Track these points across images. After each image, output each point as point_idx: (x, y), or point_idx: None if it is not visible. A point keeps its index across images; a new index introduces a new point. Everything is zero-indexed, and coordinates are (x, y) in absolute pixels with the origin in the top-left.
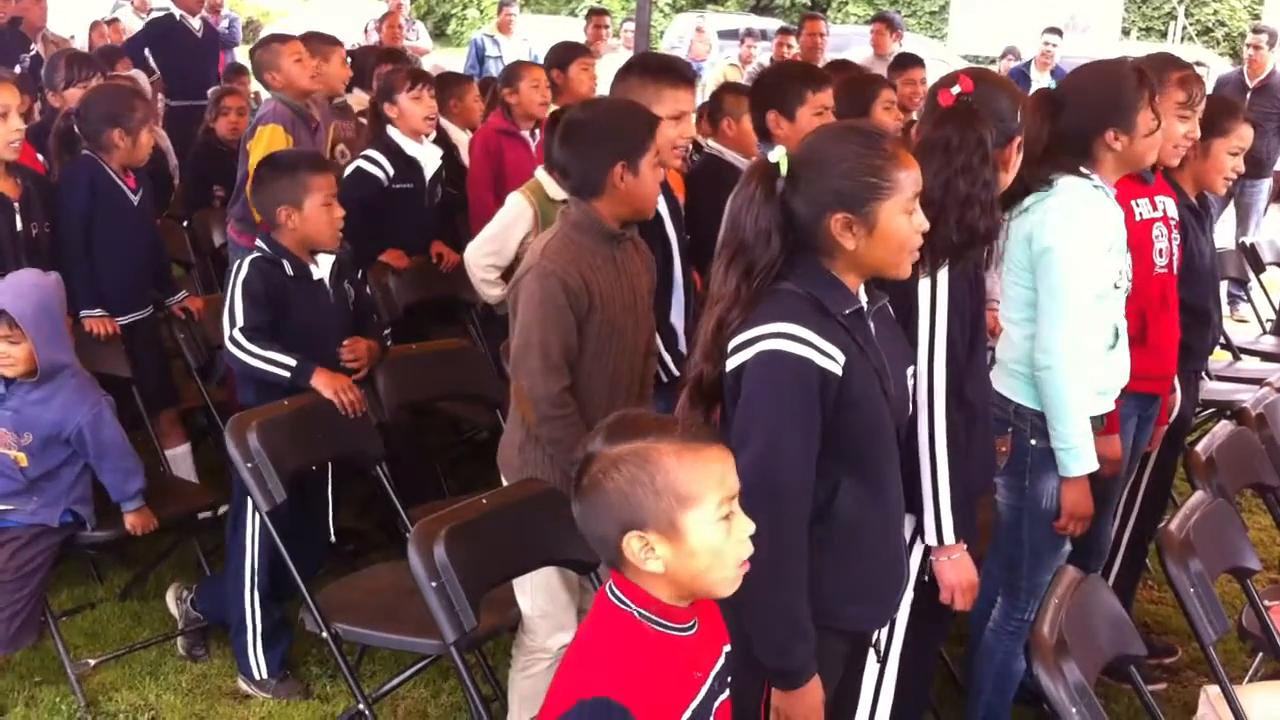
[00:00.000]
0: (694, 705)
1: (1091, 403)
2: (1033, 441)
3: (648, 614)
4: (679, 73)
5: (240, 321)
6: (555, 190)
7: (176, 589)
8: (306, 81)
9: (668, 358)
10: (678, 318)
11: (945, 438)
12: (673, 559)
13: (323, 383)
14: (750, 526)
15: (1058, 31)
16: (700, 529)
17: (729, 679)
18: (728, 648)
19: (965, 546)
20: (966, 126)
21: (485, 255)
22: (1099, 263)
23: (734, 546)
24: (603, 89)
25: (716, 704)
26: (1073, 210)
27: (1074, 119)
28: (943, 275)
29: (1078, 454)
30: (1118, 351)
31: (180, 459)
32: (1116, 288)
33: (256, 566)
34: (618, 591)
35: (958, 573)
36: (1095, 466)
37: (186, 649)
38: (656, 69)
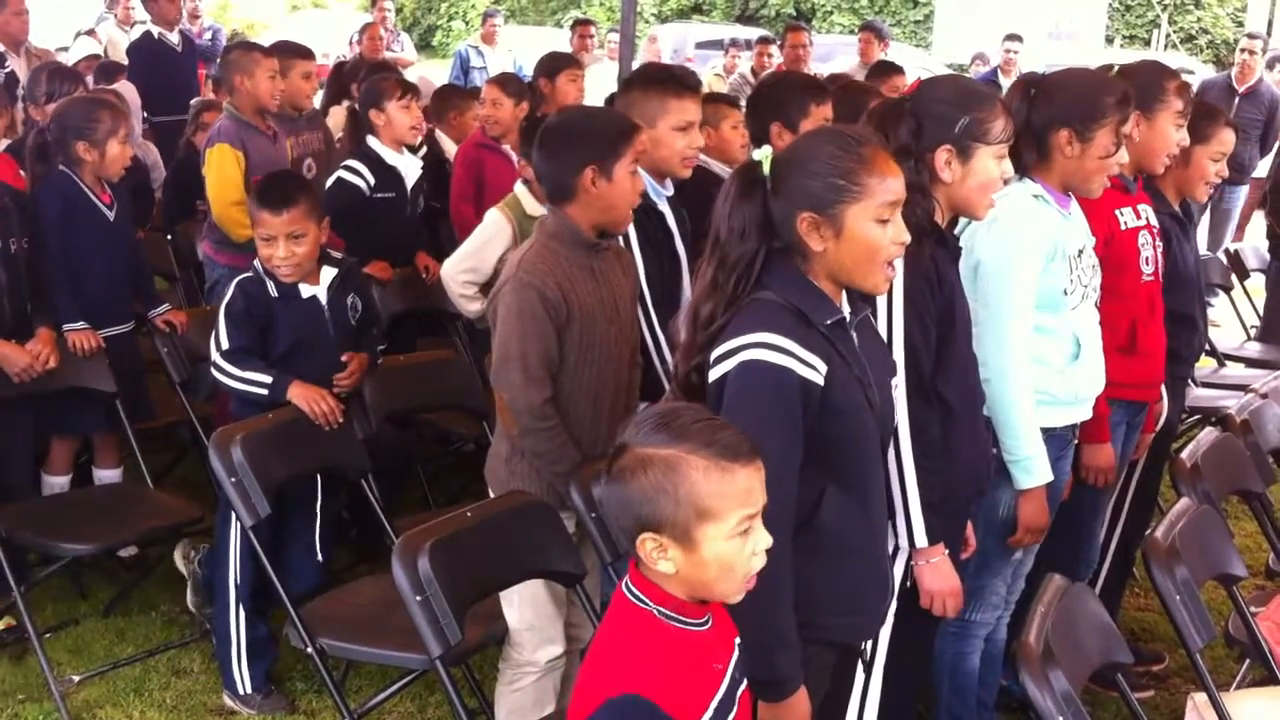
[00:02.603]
0: (719, 696)
1: (1050, 414)
2: (994, 450)
3: (666, 611)
4: (682, 82)
5: (224, 345)
6: (533, 206)
7: (184, 547)
8: (270, 101)
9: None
10: None
11: (909, 437)
12: (684, 564)
13: (297, 395)
14: (767, 541)
15: (1018, 39)
16: (715, 543)
17: (744, 670)
18: (739, 639)
19: (946, 550)
20: (876, 125)
21: (462, 272)
22: (1032, 273)
23: (745, 561)
24: (589, 99)
25: (739, 693)
26: (1002, 221)
27: (1041, 111)
28: (898, 275)
29: (1027, 467)
30: (1082, 362)
31: (108, 480)
32: (1067, 294)
33: (239, 581)
34: (635, 590)
35: (937, 578)
36: (1048, 479)
37: (196, 607)
38: (659, 79)
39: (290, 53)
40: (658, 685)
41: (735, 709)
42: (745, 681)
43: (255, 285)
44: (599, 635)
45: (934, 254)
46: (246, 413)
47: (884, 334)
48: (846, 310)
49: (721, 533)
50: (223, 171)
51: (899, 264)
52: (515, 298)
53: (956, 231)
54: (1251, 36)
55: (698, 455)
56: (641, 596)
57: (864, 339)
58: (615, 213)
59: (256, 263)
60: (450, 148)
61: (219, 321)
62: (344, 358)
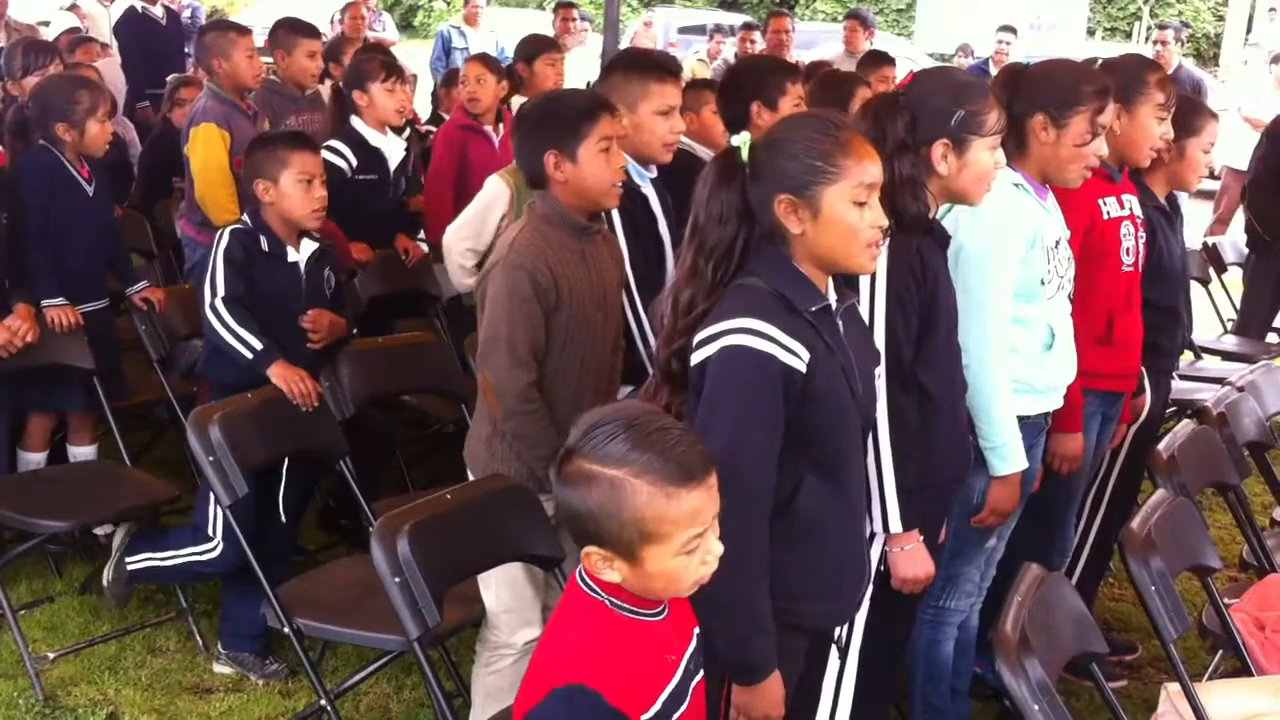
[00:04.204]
0: (670, 688)
1: (1025, 402)
2: (970, 437)
3: (618, 601)
4: (663, 67)
5: (221, 291)
6: None
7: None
8: (251, 79)
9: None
10: None
11: (888, 423)
12: (630, 576)
13: (277, 373)
14: (718, 549)
15: (1011, 30)
16: (660, 561)
17: (702, 660)
18: (698, 629)
19: (920, 537)
20: (873, 120)
21: (464, 239)
22: (1014, 261)
23: (694, 571)
24: (571, 83)
25: (692, 685)
26: (984, 208)
27: (1021, 100)
28: (881, 263)
29: (1002, 454)
30: (1056, 352)
31: (83, 458)
32: (1044, 283)
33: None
34: (587, 579)
35: (911, 564)
36: (1023, 466)
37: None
38: (640, 64)
39: (295, 31)
40: (604, 676)
41: (688, 701)
42: (701, 674)
43: (248, 238)
44: (551, 624)
45: (919, 244)
46: (218, 368)
47: (864, 319)
48: (833, 298)
49: (668, 553)
50: (208, 152)
51: (883, 252)
52: (505, 279)
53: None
54: (1162, 27)
55: (643, 479)
56: (594, 586)
57: (849, 327)
58: (592, 194)
59: (246, 217)
60: None
61: (216, 266)
62: (310, 312)
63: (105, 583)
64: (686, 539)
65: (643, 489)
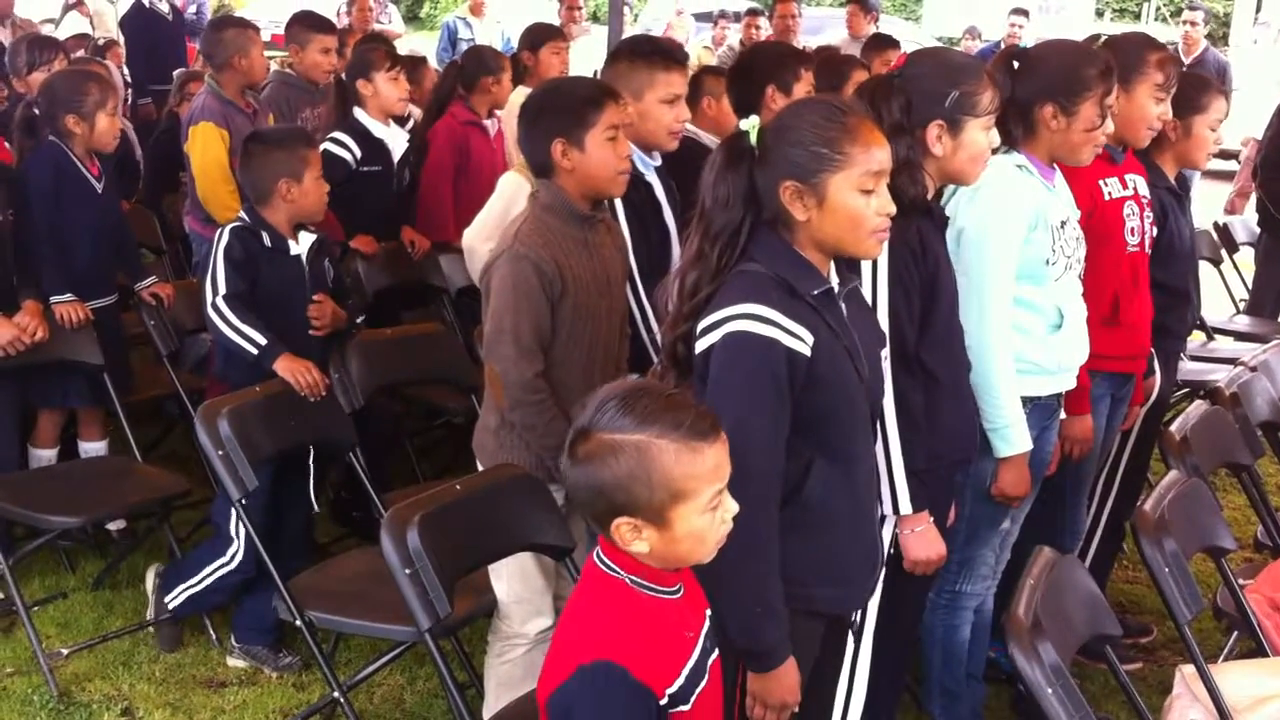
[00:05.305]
0: (691, 663)
1: (1035, 384)
2: (977, 418)
3: (638, 579)
4: (669, 55)
5: (223, 289)
6: None
7: (156, 568)
8: (262, 76)
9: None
10: None
11: (894, 406)
12: (659, 543)
13: (283, 367)
14: (735, 507)
15: (1024, 13)
16: (689, 520)
17: (716, 640)
18: (710, 611)
19: (931, 518)
20: (868, 103)
21: (487, 239)
22: (1014, 243)
23: (716, 530)
24: (576, 71)
25: (710, 661)
26: (984, 191)
27: (1025, 86)
28: (882, 248)
29: (1005, 435)
30: (1064, 333)
31: (94, 454)
32: (1050, 264)
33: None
34: (606, 559)
35: (922, 545)
36: (1026, 448)
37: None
38: (646, 52)
39: (309, 26)
40: (629, 651)
41: (706, 678)
42: (716, 652)
43: (249, 235)
44: (571, 605)
45: (919, 225)
46: (232, 370)
47: (867, 300)
48: (835, 281)
49: (695, 510)
50: (207, 151)
51: None
52: (510, 270)
53: (941, 201)
54: (1191, 8)
55: (666, 439)
56: (613, 565)
57: (853, 310)
58: (599, 182)
59: (244, 214)
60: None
61: (217, 265)
62: (316, 296)
63: (152, 629)
64: (711, 495)
65: (669, 448)
